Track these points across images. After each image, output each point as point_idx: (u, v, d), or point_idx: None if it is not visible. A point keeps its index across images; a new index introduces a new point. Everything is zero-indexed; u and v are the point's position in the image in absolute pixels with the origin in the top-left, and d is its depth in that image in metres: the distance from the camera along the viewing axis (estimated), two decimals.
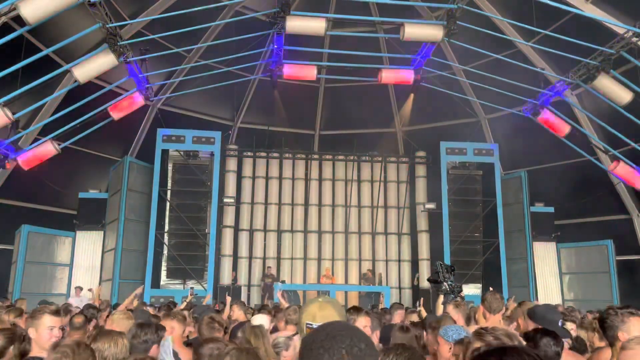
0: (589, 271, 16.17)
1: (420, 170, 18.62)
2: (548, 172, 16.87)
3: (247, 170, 18.42)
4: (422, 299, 7.60)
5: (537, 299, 14.80)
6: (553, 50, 13.35)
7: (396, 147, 19.57)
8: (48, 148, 13.15)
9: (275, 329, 5.12)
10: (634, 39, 12.12)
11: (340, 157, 18.88)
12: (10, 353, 2.92)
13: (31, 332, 3.24)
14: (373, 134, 19.41)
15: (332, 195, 18.88)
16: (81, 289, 13.71)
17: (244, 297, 16.72)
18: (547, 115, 14.90)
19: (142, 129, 17.11)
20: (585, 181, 15.71)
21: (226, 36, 14.07)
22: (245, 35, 13.82)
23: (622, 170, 14.11)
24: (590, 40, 12.40)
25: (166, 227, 16.13)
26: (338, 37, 15.94)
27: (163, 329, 3.63)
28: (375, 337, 3.76)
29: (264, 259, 17.98)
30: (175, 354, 3.53)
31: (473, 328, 4.43)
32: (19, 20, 10.04)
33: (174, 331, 4.08)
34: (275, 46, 14.02)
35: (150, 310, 7.58)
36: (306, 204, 18.61)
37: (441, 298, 6.94)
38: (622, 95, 12.69)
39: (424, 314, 6.71)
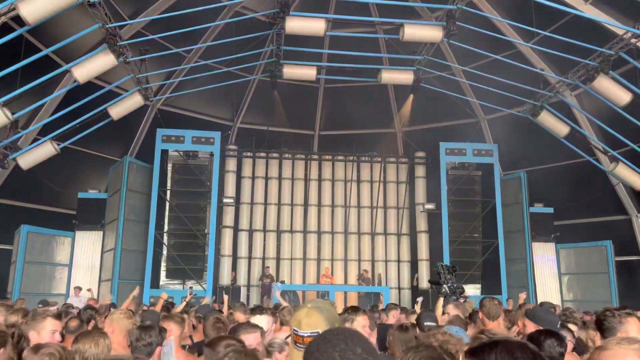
0: (588, 272, 16.18)
1: (420, 171, 18.64)
2: (547, 173, 16.88)
3: (247, 171, 18.43)
4: (420, 299, 7.58)
5: (536, 300, 14.83)
6: (552, 51, 13.36)
7: (395, 148, 19.58)
8: (47, 148, 13.16)
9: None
10: (633, 40, 12.14)
11: (340, 157, 18.89)
12: (2, 355, 2.90)
13: (32, 335, 3.22)
14: (372, 135, 19.41)
15: (332, 195, 18.89)
16: (80, 289, 13.72)
17: (243, 298, 16.74)
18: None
19: (141, 129, 17.10)
20: (585, 182, 15.72)
21: (226, 36, 14.07)
22: (245, 36, 13.83)
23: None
24: (589, 41, 12.40)
25: (165, 227, 16.13)
26: (338, 37, 15.94)
27: (166, 330, 3.62)
28: (372, 338, 3.76)
29: (263, 259, 17.98)
30: None
31: (472, 330, 4.44)
32: (19, 20, 10.03)
33: (171, 333, 4.07)
34: (275, 46, 14.03)
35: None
36: (305, 204, 18.62)
37: (441, 300, 6.93)
38: (621, 96, 12.70)
39: None
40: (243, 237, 18.03)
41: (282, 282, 16.68)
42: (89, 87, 12.86)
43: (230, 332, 3.65)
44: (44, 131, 13.72)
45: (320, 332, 1.78)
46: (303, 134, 19.61)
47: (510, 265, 16.09)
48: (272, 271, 17.31)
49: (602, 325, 3.11)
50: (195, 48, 15.91)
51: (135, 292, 8.92)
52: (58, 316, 3.45)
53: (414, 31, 12.58)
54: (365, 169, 19.15)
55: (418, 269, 17.68)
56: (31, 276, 14.41)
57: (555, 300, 15.56)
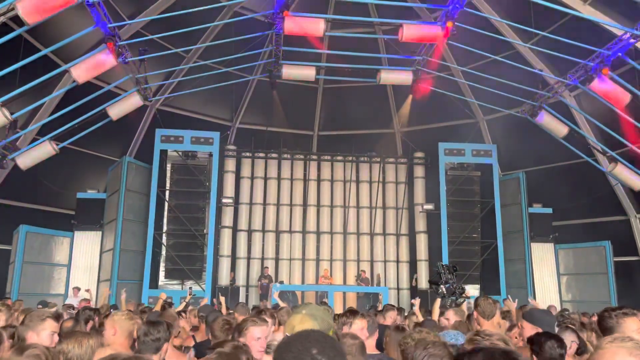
0: (587, 272, 16.19)
1: (419, 171, 18.65)
2: (546, 173, 16.91)
3: (246, 171, 18.43)
4: (418, 299, 7.56)
5: (535, 300, 14.83)
6: (551, 52, 13.37)
7: (394, 148, 19.59)
8: (46, 148, 13.14)
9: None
10: (632, 41, 12.15)
11: (339, 157, 18.90)
12: None
13: (31, 336, 3.22)
14: (371, 135, 19.43)
15: (331, 195, 18.90)
16: (79, 289, 13.70)
17: (242, 298, 16.74)
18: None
19: (140, 129, 17.08)
20: (584, 182, 15.74)
21: (225, 37, 14.07)
22: (244, 36, 13.83)
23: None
24: (588, 41, 12.42)
25: (164, 228, 16.12)
26: (337, 38, 15.95)
27: (173, 326, 3.61)
28: (372, 340, 3.76)
29: (262, 259, 17.98)
30: None
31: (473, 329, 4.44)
32: (18, 20, 10.03)
33: None
34: (274, 47, 14.03)
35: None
36: (304, 204, 18.62)
37: (438, 301, 6.92)
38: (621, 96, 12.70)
39: (419, 317, 6.66)
40: (242, 237, 18.03)
41: (281, 282, 16.68)
42: (87, 87, 12.87)
43: (237, 326, 3.66)
44: (43, 131, 13.72)
45: None
46: (302, 134, 19.61)
47: (509, 265, 16.10)
48: (271, 271, 17.31)
49: (602, 326, 3.14)
50: (194, 48, 15.90)
51: (123, 296, 8.91)
52: (57, 317, 3.45)
53: (413, 31, 12.59)
54: (364, 169, 19.15)
55: (417, 269, 17.70)
56: (30, 276, 14.40)
57: (554, 300, 15.59)
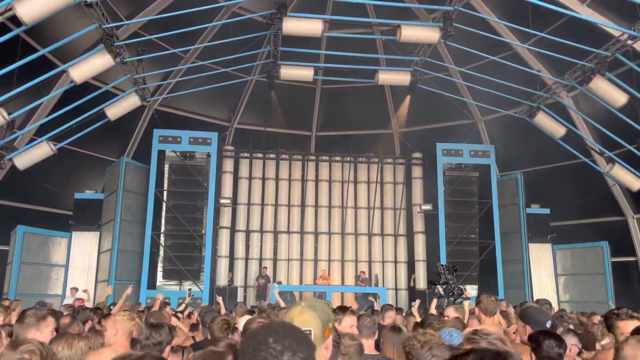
0: (585, 272, 16.22)
1: (417, 172, 18.67)
2: (544, 174, 16.95)
3: (244, 171, 18.42)
4: (418, 301, 7.58)
5: (533, 301, 14.85)
6: (549, 53, 13.40)
7: (392, 149, 19.60)
8: (44, 148, 13.12)
9: None
10: (629, 42, 12.19)
11: (337, 158, 18.91)
12: None
13: (35, 334, 3.20)
14: (369, 135, 19.45)
15: (329, 196, 18.91)
16: (77, 289, 13.67)
17: (240, 298, 16.72)
18: None
19: (138, 129, 17.07)
20: (581, 183, 15.78)
21: (223, 37, 14.06)
22: (242, 37, 13.83)
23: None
24: (586, 42, 12.45)
25: (162, 228, 16.09)
26: (335, 38, 15.96)
27: (175, 329, 3.61)
28: (372, 341, 3.76)
29: (260, 260, 17.97)
30: None
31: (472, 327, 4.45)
32: (15, 20, 10.01)
33: None
34: (272, 47, 14.04)
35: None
36: (303, 205, 18.62)
37: (435, 302, 6.93)
38: (618, 97, 12.75)
39: (417, 317, 6.67)
40: (240, 237, 18.02)
41: (279, 283, 16.68)
42: (85, 87, 12.84)
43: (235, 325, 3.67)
44: (41, 131, 13.69)
45: (313, 330, 1.78)
46: (300, 134, 19.61)
47: (507, 266, 16.12)
48: (269, 272, 17.30)
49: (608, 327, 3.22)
50: (192, 49, 15.90)
51: (128, 291, 8.93)
52: (55, 315, 3.45)
53: (411, 32, 12.60)
54: (362, 169, 19.17)
55: (415, 269, 17.71)
56: (27, 277, 14.35)
57: (552, 301, 15.60)
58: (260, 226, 18.30)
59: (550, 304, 7.30)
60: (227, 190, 17.65)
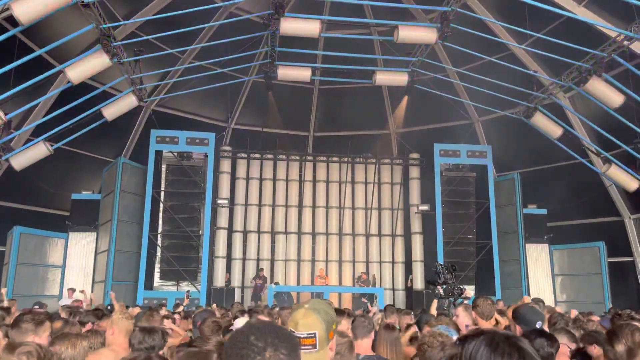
0: (581, 273, 16.26)
1: (414, 172, 18.67)
2: (541, 174, 16.98)
3: (241, 172, 18.41)
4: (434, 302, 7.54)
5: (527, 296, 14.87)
6: (546, 53, 13.43)
7: (390, 149, 19.62)
8: (41, 149, 13.08)
9: None
10: (626, 42, 12.22)
11: (334, 158, 18.92)
12: None
13: (32, 339, 3.19)
14: (367, 136, 19.46)
15: (326, 196, 18.91)
16: (74, 290, 13.62)
17: (237, 299, 16.70)
18: None
19: (135, 130, 17.04)
20: (578, 183, 15.80)
21: (220, 37, 14.06)
22: (240, 37, 13.82)
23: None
24: (582, 43, 12.48)
25: (159, 229, 16.07)
26: (332, 39, 15.96)
27: (168, 333, 3.61)
28: (368, 341, 3.76)
29: (258, 260, 17.96)
30: None
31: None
32: (12, 20, 9.99)
33: None
34: (270, 47, 14.04)
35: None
36: (300, 205, 18.62)
37: (435, 302, 6.91)
38: (614, 98, 12.78)
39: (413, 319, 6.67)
40: (237, 238, 18.01)
41: (277, 283, 16.67)
42: (82, 87, 12.82)
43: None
44: (37, 132, 13.66)
45: (318, 333, 1.78)
46: (297, 135, 19.61)
47: (504, 266, 16.14)
48: (266, 272, 17.28)
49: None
50: (189, 49, 15.88)
51: (112, 295, 8.96)
52: (50, 318, 3.45)
53: (408, 33, 12.63)
54: (359, 170, 19.18)
55: (412, 270, 17.72)
56: (24, 278, 14.31)
57: (549, 301, 15.63)
58: (257, 227, 18.29)
59: (543, 302, 7.29)
60: (224, 190, 17.63)
